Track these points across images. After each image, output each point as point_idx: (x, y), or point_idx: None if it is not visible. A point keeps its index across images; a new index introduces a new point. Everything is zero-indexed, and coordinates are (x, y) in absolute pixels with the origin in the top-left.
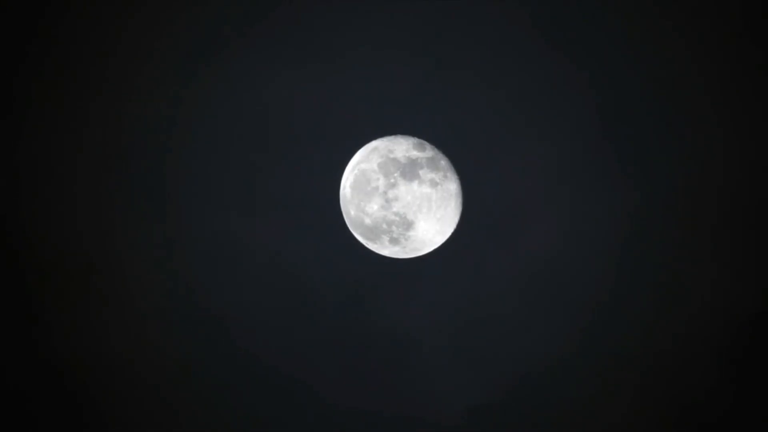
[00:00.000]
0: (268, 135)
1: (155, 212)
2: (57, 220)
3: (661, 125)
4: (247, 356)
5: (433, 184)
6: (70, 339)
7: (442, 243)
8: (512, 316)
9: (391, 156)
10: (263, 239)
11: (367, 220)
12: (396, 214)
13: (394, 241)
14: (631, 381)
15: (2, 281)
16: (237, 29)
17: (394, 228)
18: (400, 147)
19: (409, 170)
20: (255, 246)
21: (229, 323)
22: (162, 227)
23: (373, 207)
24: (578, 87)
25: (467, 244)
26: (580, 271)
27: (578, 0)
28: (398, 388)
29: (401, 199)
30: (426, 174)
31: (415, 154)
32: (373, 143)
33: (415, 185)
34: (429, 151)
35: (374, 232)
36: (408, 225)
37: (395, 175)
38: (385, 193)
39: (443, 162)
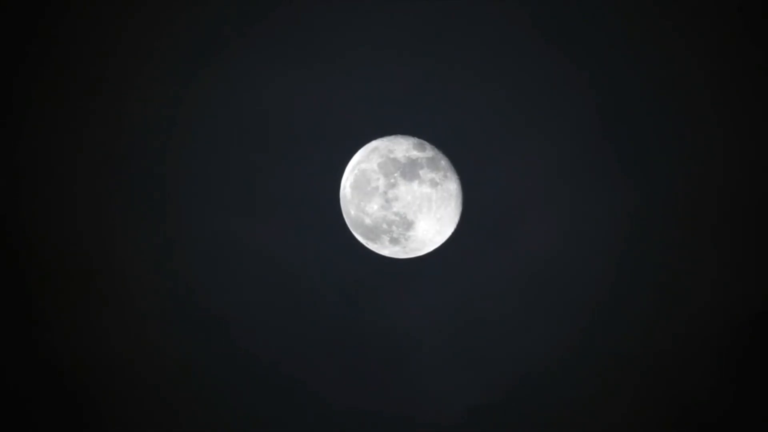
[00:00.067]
0: (268, 135)
1: (155, 212)
2: (57, 220)
3: (661, 125)
4: (247, 356)
5: (433, 184)
6: (70, 339)
7: (442, 243)
8: (512, 316)
9: (391, 156)
10: (263, 239)
11: (367, 220)
12: (396, 214)
13: (394, 241)
14: (631, 381)
15: (2, 281)
16: (237, 29)
17: (394, 228)
18: (400, 147)
19: (409, 170)
20: (255, 246)
21: (229, 323)
22: (162, 227)
23: (373, 207)
24: (578, 87)
25: (467, 244)
26: (580, 271)
27: (578, 0)
28: (398, 388)
29: (401, 199)
30: (426, 174)
31: (415, 154)
32: (373, 143)
33: (415, 185)
34: (429, 151)
35: (374, 232)
36: (408, 225)
37: (395, 175)
38: (385, 193)
39: (443, 162)
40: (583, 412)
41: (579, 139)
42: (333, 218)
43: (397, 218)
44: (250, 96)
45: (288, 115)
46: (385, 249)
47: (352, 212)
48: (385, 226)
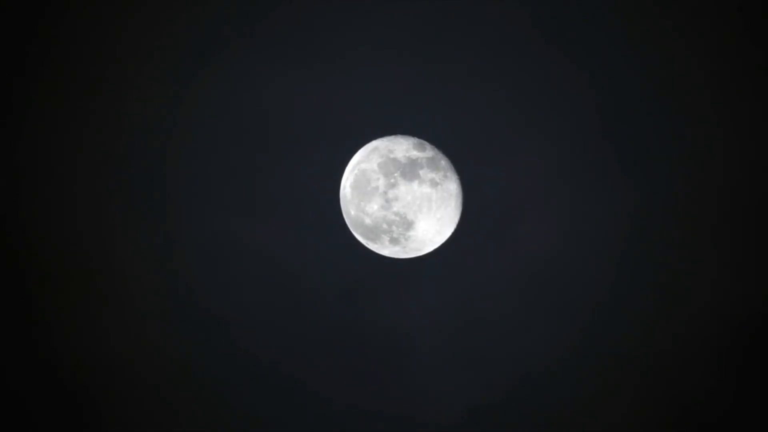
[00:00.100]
0: (268, 135)
1: (155, 212)
2: (57, 220)
3: (661, 125)
4: (247, 356)
5: (434, 184)
6: (70, 339)
7: (442, 243)
8: (512, 316)
9: (391, 156)
10: (263, 239)
11: (367, 220)
12: (396, 214)
13: (394, 241)
14: (631, 381)
15: (2, 281)
16: (237, 29)
17: (394, 228)
18: (400, 147)
19: (410, 170)
20: (255, 246)
21: (229, 323)
22: (162, 227)
23: (373, 207)
24: (578, 87)
25: (467, 244)
26: (580, 271)
27: (578, 0)
28: (398, 388)
29: (401, 199)
30: (426, 174)
31: (415, 154)
32: (373, 143)
33: (415, 185)
34: (429, 151)
35: (374, 232)
36: (408, 225)
37: (395, 175)
38: (385, 193)
39: (443, 162)
40: (583, 412)
41: (579, 139)
42: (333, 218)
43: (397, 218)
44: (250, 96)
45: (288, 115)
46: (385, 249)
47: (352, 212)
48: (385, 226)
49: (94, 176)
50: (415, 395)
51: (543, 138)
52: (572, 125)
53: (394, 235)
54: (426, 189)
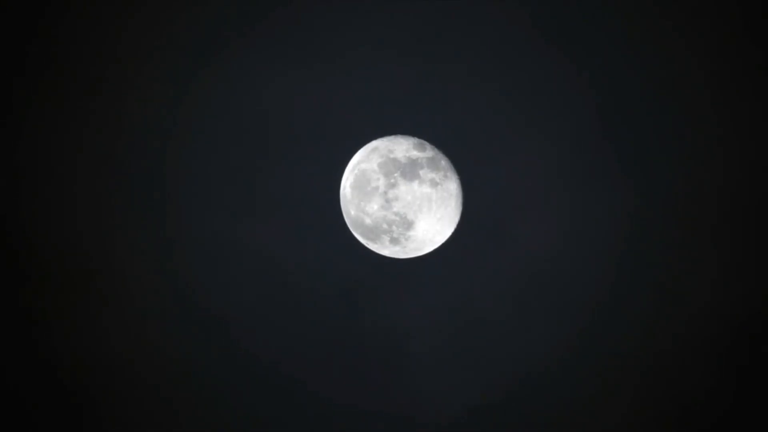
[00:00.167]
0: (268, 135)
1: (155, 212)
2: (57, 220)
3: (661, 125)
4: (247, 356)
5: (434, 184)
6: (70, 339)
7: (442, 243)
8: (512, 316)
9: (391, 156)
10: (263, 239)
11: (368, 220)
12: (396, 214)
13: (394, 241)
14: (631, 381)
15: (2, 281)
16: (237, 29)
17: (394, 228)
18: (400, 147)
19: (410, 170)
20: (255, 246)
21: (229, 323)
22: (162, 227)
23: (374, 207)
24: (578, 87)
25: (467, 244)
26: (580, 271)
27: (578, 0)
28: (398, 388)
29: (401, 199)
30: (426, 174)
31: (415, 154)
32: (373, 143)
33: (415, 185)
34: (429, 151)
35: (374, 232)
36: (408, 225)
37: (395, 175)
38: (385, 193)
39: (443, 162)
40: (583, 412)
41: (579, 139)
42: (333, 218)
43: (397, 218)
44: (250, 96)
45: (288, 115)
46: (385, 249)
47: (352, 212)
48: (385, 226)
49: (94, 176)
50: (415, 395)
51: (543, 138)
52: (572, 125)
53: (394, 235)
54: (426, 189)
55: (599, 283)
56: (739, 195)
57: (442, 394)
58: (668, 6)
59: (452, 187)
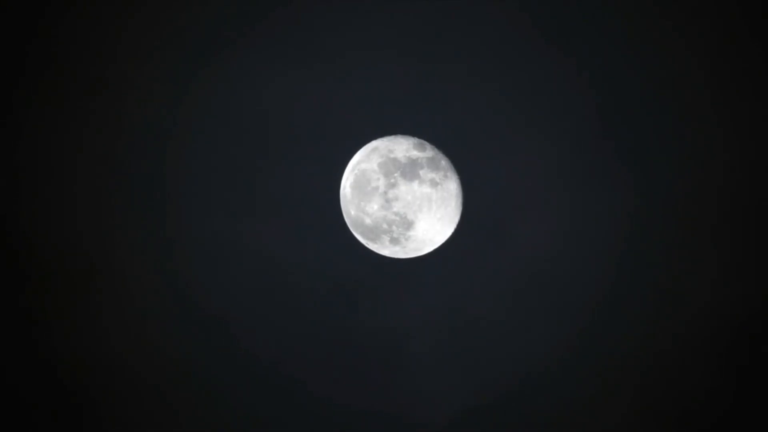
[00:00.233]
0: (268, 135)
1: (155, 212)
2: (57, 220)
3: (661, 125)
4: (247, 356)
5: (434, 184)
6: (70, 339)
7: (442, 243)
8: (512, 315)
9: (392, 156)
10: (263, 239)
11: (368, 220)
12: (396, 213)
13: (394, 241)
14: (631, 381)
15: (2, 281)
16: (237, 29)
17: (394, 228)
18: (400, 147)
19: (410, 170)
20: (255, 246)
21: (229, 323)
22: (162, 227)
23: (374, 207)
24: (578, 87)
25: (467, 244)
26: (580, 271)
27: (578, 0)
28: (398, 388)
29: (401, 199)
30: (426, 174)
31: (415, 154)
32: (373, 143)
33: (415, 185)
34: (429, 151)
35: (374, 232)
36: (408, 225)
37: (395, 175)
38: (385, 193)
39: (443, 162)
40: (583, 412)
41: (579, 139)
42: (333, 218)
43: (397, 218)
44: (250, 96)
45: (288, 115)
46: (385, 249)
47: (352, 212)
48: (385, 226)
49: (94, 176)
50: (414, 395)
51: (543, 138)
52: (572, 125)
53: (394, 235)
54: (426, 189)
55: (599, 283)
56: (739, 195)
57: (442, 394)
58: (668, 6)
59: (452, 187)
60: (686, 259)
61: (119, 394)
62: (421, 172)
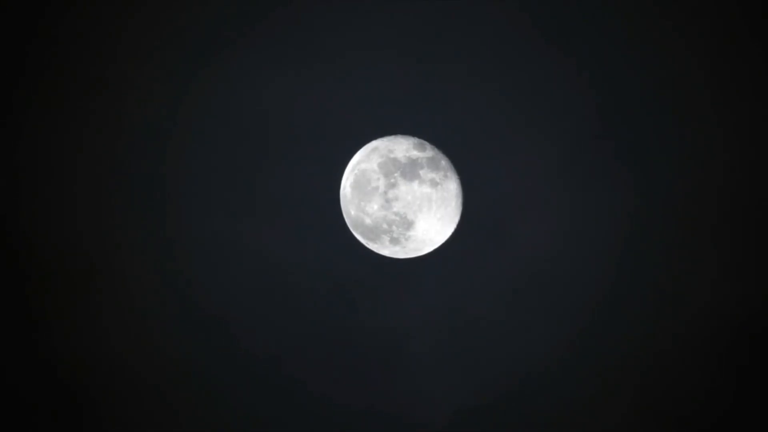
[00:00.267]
0: (268, 135)
1: (155, 212)
2: (57, 220)
3: (661, 125)
4: (247, 356)
5: (434, 183)
6: (70, 339)
7: (442, 243)
8: (512, 315)
9: (392, 156)
10: (263, 239)
11: (368, 220)
12: (396, 213)
13: (394, 241)
14: (631, 381)
15: (2, 282)
16: (237, 29)
17: (394, 228)
18: (400, 147)
19: (410, 170)
20: (255, 246)
21: (229, 323)
22: (162, 227)
23: (374, 207)
24: (578, 87)
25: (467, 244)
26: (580, 271)
27: (578, 0)
28: (398, 388)
29: (401, 199)
30: (426, 174)
31: (415, 154)
32: (373, 143)
33: (415, 185)
34: (429, 151)
35: (374, 232)
36: (408, 225)
37: (395, 175)
38: (385, 193)
39: (443, 162)
40: (583, 412)
41: (579, 139)
42: (333, 218)
43: (397, 218)
44: (250, 96)
45: (288, 115)
46: (385, 249)
47: (352, 212)
48: (385, 226)
49: (94, 176)
50: (414, 395)
51: (543, 138)
52: (572, 125)
53: (394, 235)
54: (426, 189)
55: (599, 283)
56: (739, 195)
57: (442, 393)
58: (668, 6)
59: (452, 187)
60: (686, 259)
61: (119, 394)
62: (421, 172)
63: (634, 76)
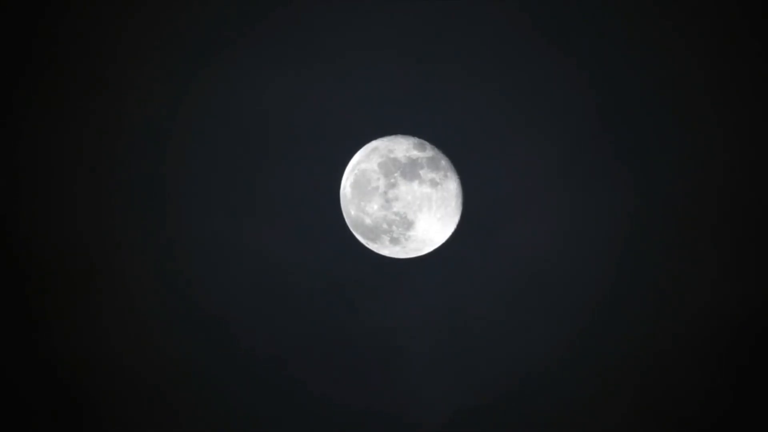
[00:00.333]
0: (268, 135)
1: (155, 212)
2: (57, 220)
3: (661, 125)
4: (247, 356)
5: (434, 183)
6: (70, 339)
7: (442, 243)
8: (512, 315)
9: (392, 156)
10: (263, 239)
11: (368, 220)
12: (396, 213)
13: (394, 241)
14: (631, 381)
15: (2, 282)
16: (237, 29)
17: (394, 228)
18: (400, 147)
19: (410, 170)
20: (255, 246)
21: (229, 323)
22: (162, 227)
23: (374, 207)
24: (578, 87)
25: (467, 244)
26: (580, 271)
27: (578, 0)
28: (398, 388)
29: (401, 199)
30: (426, 174)
31: (415, 153)
32: (373, 143)
33: (415, 185)
34: (429, 151)
35: (374, 232)
36: (408, 225)
37: (395, 175)
38: (385, 193)
39: (443, 162)
40: (583, 412)
41: (579, 139)
42: (333, 218)
43: (397, 218)
44: (250, 96)
45: (288, 115)
46: (385, 249)
47: (352, 212)
48: (385, 226)
49: (94, 176)
50: (414, 395)
51: (543, 138)
52: (572, 125)
53: (394, 235)
54: (426, 189)
55: (599, 283)
56: (739, 195)
57: (441, 393)
58: (668, 6)
59: (452, 187)
60: (686, 259)
61: (119, 394)
62: (421, 172)
63: (634, 76)
